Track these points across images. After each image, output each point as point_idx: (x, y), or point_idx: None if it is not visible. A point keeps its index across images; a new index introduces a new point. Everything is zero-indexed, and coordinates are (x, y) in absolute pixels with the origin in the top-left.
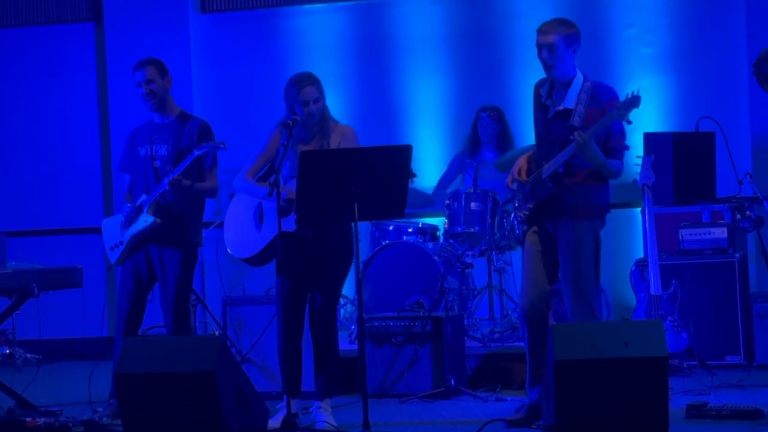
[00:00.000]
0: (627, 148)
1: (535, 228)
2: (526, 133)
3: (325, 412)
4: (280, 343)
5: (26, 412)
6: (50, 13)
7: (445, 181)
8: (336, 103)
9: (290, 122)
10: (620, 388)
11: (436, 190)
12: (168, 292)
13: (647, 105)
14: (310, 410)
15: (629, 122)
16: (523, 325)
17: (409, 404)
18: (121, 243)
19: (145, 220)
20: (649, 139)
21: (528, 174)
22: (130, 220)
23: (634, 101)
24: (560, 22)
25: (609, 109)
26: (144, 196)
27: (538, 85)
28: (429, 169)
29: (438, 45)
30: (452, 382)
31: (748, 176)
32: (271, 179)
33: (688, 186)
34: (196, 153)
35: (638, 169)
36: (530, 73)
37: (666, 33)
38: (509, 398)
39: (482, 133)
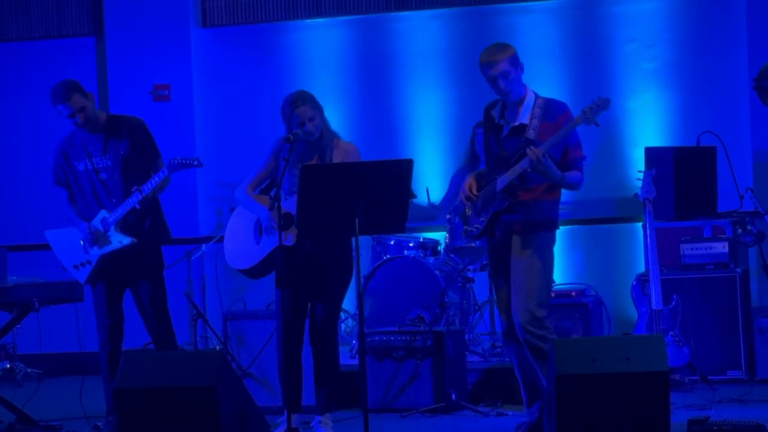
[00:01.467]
0: (584, 158)
1: (492, 243)
2: None
3: (325, 427)
4: (280, 356)
5: (27, 427)
6: (51, 27)
7: (449, 197)
8: (337, 118)
9: (291, 137)
10: (621, 403)
11: (441, 208)
12: (146, 305)
13: (648, 119)
14: (311, 425)
15: (597, 125)
16: (507, 349)
17: (410, 419)
18: (89, 262)
19: (120, 241)
20: (651, 153)
21: (479, 191)
22: (95, 239)
23: (603, 104)
24: (500, 48)
25: (564, 122)
26: (104, 213)
27: (489, 108)
28: (430, 183)
29: (439, 59)
30: (453, 396)
31: (749, 191)
32: (272, 193)
33: (690, 200)
34: (167, 173)
35: (639, 184)
36: (532, 86)
37: (667, 48)
38: (510, 413)
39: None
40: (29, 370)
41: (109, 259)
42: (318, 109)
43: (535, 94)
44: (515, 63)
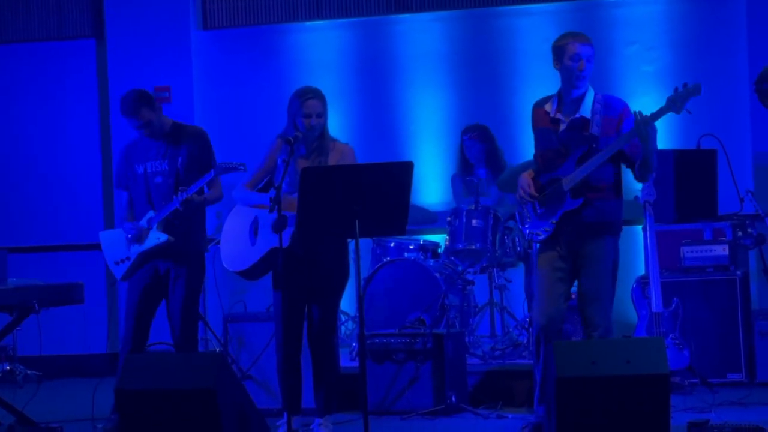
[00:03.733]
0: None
1: (551, 244)
2: (527, 149)
3: (325, 429)
4: (279, 358)
5: (27, 429)
6: (51, 29)
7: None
8: (337, 120)
9: (291, 138)
10: (621, 406)
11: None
12: (177, 308)
13: None
14: (311, 427)
15: (689, 112)
16: (538, 341)
17: (410, 421)
18: (128, 258)
19: (157, 237)
20: None
21: (538, 190)
22: (138, 237)
23: (694, 90)
24: (588, 37)
25: (626, 117)
26: (152, 213)
27: (539, 104)
28: (430, 185)
29: (439, 62)
30: (453, 399)
31: (749, 193)
32: (271, 194)
33: (690, 203)
34: (213, 174)
35: (640, 187)
36: (532, 89)
37: (667, 50)
38: (510, 415)
39: (468, 155)
40: (29, 372)
41: (146, 257)
42: (326, 107)
43: (595, 91)
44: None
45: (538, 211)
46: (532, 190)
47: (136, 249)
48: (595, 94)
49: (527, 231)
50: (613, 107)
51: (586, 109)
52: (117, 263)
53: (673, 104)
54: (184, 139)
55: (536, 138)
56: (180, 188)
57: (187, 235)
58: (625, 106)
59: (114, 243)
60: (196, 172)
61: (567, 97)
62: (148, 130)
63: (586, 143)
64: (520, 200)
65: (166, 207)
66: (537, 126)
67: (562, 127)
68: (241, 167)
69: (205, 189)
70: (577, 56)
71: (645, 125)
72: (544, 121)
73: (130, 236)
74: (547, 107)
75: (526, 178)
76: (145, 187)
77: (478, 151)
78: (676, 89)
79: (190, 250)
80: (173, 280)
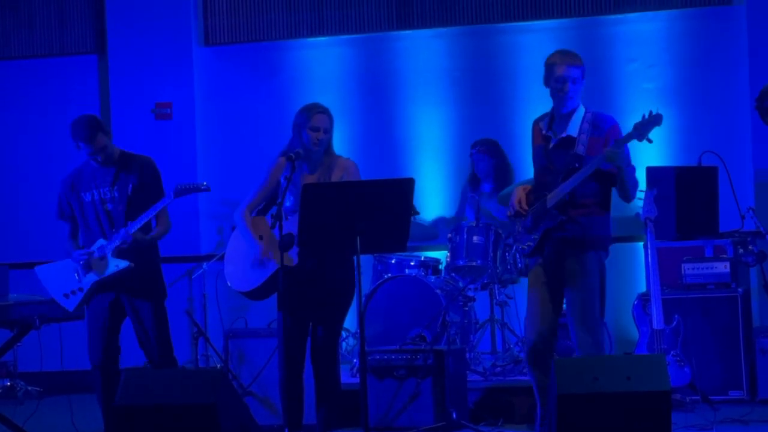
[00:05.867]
0: (634, 168)
1: (538, 260)
2: (527, 165)
3: None
4: (281, 375)
5: None
6: (53, 45)
7: (465, 209)
8: (339, 136)
9: (293, 155)
10: (623, 423)
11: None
12: (151, 335)
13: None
14: None
15: (650, 141)
16: (530, 362)
17: None
18: (81, 290)
19: (116, 264)
20: (652, 173)
21: (529, 205)
22: (88, 264)
23: (655, 119)
24: (578, 56)
25: (613, 136)
26: (102, 241)
27: (537, 121)
28: (431, 202)
29: (441, 78)
30: (454, 415)
31: (750, 211)
32: (273, 211)
33: (691, 220)
34: (172, 197)
35: (640, 203)
36: (533, 106)
37: (668, 67)
38: None
39: (477, 169)
40: (30, 387)
41: (102, 285)
42: (332, 125)
43: (585, 108)
44: (584, 75)
45: (526, 225)
46: (521, 206)
47: (91, 278)
48: (585, 112)
49: (515, 245)
50: (600, 127)
51: (574, 127)
52: (67, 295)
53: (636, 131)
54: (134, 167)
55: (533, 154)
56: (128, 222)
57: (142, 256)
58: (613, 125)
59: (58, 275)
60: (145, 200)
61: (557, 114)
62: (103, 157)
63: (571, 162)
64: (508, 215)
65: (116, 236)
66: (533, 143)
67: (552, 144)
68: (203, 186)
69: (153, 222)
70: (561, 78)
71: (610, 151)
72: (538, 138)
73: (81, 263)
74: (542, 124)
75: (519, 193)
76: (94, 215)
77: (486, 165)
78: (643, 116)
79: (148, 271)
80: (137, 308)
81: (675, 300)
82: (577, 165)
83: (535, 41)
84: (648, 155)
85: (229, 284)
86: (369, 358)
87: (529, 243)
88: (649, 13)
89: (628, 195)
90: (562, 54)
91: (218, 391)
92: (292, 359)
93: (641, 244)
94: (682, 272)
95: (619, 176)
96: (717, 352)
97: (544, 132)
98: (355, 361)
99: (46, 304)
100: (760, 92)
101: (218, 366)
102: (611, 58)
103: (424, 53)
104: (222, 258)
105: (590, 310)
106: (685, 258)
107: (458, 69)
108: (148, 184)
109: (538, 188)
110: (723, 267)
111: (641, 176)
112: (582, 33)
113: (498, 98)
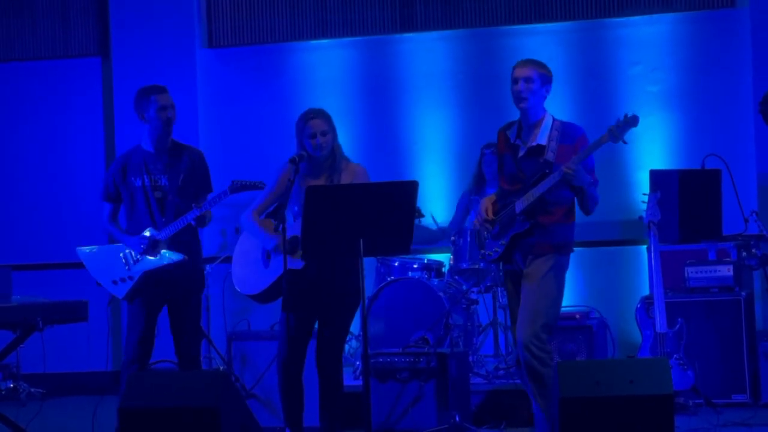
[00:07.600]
0: (596, 182)
1: (507, 268)
2: None
3: None
4: (281, 377)
5: None
6: (57, 47)
7: (457, 220)
8: (342, 139)
9: (296, 158)
10: (625, 427)
11: (450, 230)
12: (189, 327)
13: (653, 142)
14: None
15: (625, 142)
16: (521, 371)
17: None
18: (131, 278)
19: (170, 257)
20: (655, 176)
21: (495, 214)
22: (149, 249)
23: (632, 121)
24: (537, 62)
25: (582, 145)
26: (152, 230)
27: (504, 129)
28: (435, 205)
29: (444, 81)
30: (457, 418)
31: (754, 214)
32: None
33: (694, 223)
34: (228, 191)
35: (644, 206)
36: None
37: (672, 71)
38: None
39: (486, 170)
40: (33, 389)
41: (153, 276)
42: (331, 126)
43: (553, 117)
44: (544, 82)
45: (493, 231)
46: (487, 215)
47: (142, 267)
48: (553, 121)
49: (482, 251)
50: (569, 135)
51: (543, 135)
52: (116, 282)
53: (612, 134)
54: (185, 157)
55: (498, 162)
56: (194, 204)
57: (192, 253)
58: (581, 135)
59: (105, 260)
60: (194, 191)
61: (525, 123)
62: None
63: (540, 169)
64: (474, 224)
65: (175, 223)
66: (499, 151)
67: (521, 153)
68: (260, 184)
69: (214, 195)
70: (514, 79)
71: (573, 177)
72: (505, 147)
73: (142, 247)
74: (509, 133)
75: (485, 202)
76: (144, 200)
77: (496, 167)
78: (618, 119)
79: (196, 269)
80: (182, 299)
81: (678, 303)
82: (547, 171)
83: (538, 44)
84: (651, 158)
85: (236, 287)
86: (372, 360)
87: (496, 249)
88: (653, 17)
89: (587, 209)
90: (521, 60)
91: (221, 393)
92: (293, 358)
93: (644, 247)
94: (686, 275)
95: (580, 191)
96: (720, 356)
97: (512, 140)
98: (358, 363)
99: (49, 306)
100: (764, 95)
101: (221, 368)
102: (615, 61)
103: (427, 56)
104: (225, 260)
105: (542, 312)
106: (688, 261)
107: (462, 72)
108: (197, 175)
109: (504, 196)
110: (726, 270)
111: (644, 179)
112: (586, 36)
113: (501, 101)
